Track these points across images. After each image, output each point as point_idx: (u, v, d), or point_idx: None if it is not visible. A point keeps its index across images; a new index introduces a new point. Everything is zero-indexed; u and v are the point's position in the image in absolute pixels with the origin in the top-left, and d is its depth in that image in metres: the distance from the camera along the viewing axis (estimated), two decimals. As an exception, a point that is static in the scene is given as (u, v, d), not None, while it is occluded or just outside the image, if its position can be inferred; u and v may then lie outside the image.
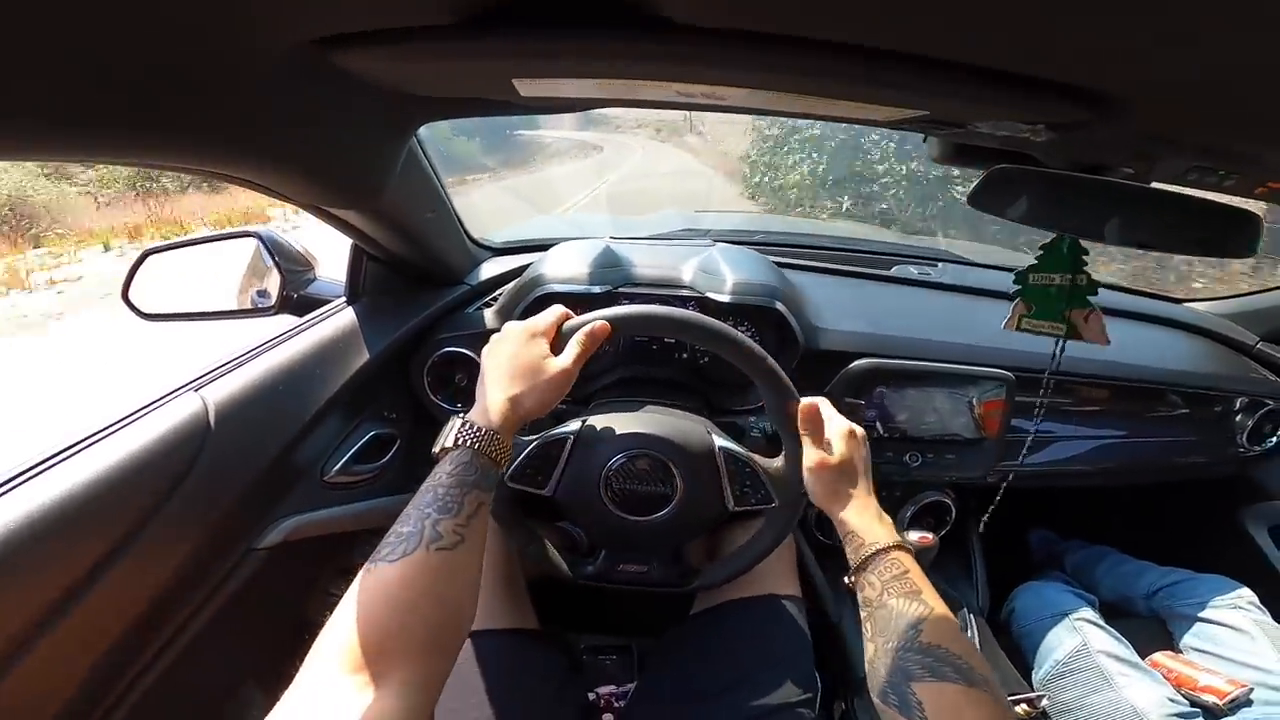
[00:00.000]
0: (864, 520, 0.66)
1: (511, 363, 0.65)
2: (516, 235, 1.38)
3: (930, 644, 0.54)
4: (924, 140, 0.76)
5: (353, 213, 0.82)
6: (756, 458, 0.80)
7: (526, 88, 0.48)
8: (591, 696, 0.94)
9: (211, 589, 0.81)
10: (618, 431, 0.80)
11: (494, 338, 0.69)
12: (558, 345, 0.69)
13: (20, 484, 0.64)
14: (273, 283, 1.15)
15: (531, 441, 0.80)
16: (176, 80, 0.43)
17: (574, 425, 0.80)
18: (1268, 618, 1.07)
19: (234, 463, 0.82)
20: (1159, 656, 1.08)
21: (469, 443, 0.58)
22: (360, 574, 0.50)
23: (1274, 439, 1.24)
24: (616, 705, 0.96)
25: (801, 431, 0.72)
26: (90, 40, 0.36)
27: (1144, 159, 0.55)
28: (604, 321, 0.70)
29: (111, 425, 0.75)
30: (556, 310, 0.71)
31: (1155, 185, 0.63)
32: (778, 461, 0.80)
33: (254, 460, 0.84)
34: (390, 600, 0.47)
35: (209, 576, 0.81)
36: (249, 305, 1.16)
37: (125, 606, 0.71)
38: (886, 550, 0.63)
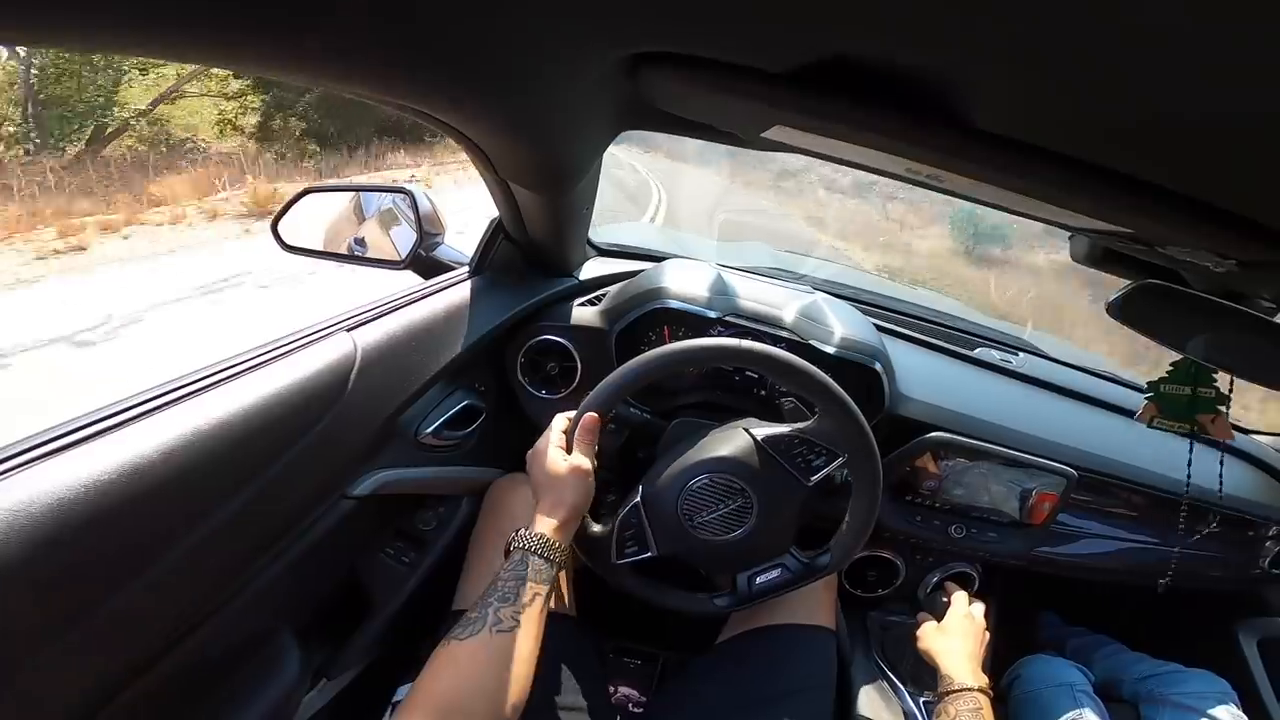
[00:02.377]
0: (962, 668, 0.89)
1: (540, 478, 0.78)
2: (618, 239, 1.43)
3: None
4: (1069, 237, 0.81)
5: (538, 195, 0.86)
6: (797, 426, 0.86)
7: (777, 133, 0.53)
8: (613, 691, 0.98)
9: (302, 530, 0.83)
10: (670, 474, 0.86)
11: (529, 457, 0.82)
12: (570, 445, 0.81)
13: (181, 400, 0.66)
14: (382, 237, 1.21)
15: (610, 525, 0.87)
16: (477, 35, 0.44)
17: (636, 494, 0.87)
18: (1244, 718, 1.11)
19: (365, 409, 0.85)
20: None
21: (521, 545, 0.71)
22: (438, 648, 0.63)
23: (1292, 567, 1.28)
24: (634, 711, 0.99)
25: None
26: None
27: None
28: (589, 413, 0.82)
29: (266, 353, 0.77)
30: (558, 421, 0.83)
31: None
32: (815, 420, 0.86)
33: (380, 409, 0.87)
34: (459, 673, 0.61)
35: (307, 517, 0.83)
36: (353, 253, 1.22)
37: (234, 541, 0.71)
38: (972, 690, 0.85)
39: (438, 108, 0.59)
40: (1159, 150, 0.41)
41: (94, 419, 0.61)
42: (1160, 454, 1.20)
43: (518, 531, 0.73)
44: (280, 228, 1.07)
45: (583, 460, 0.79)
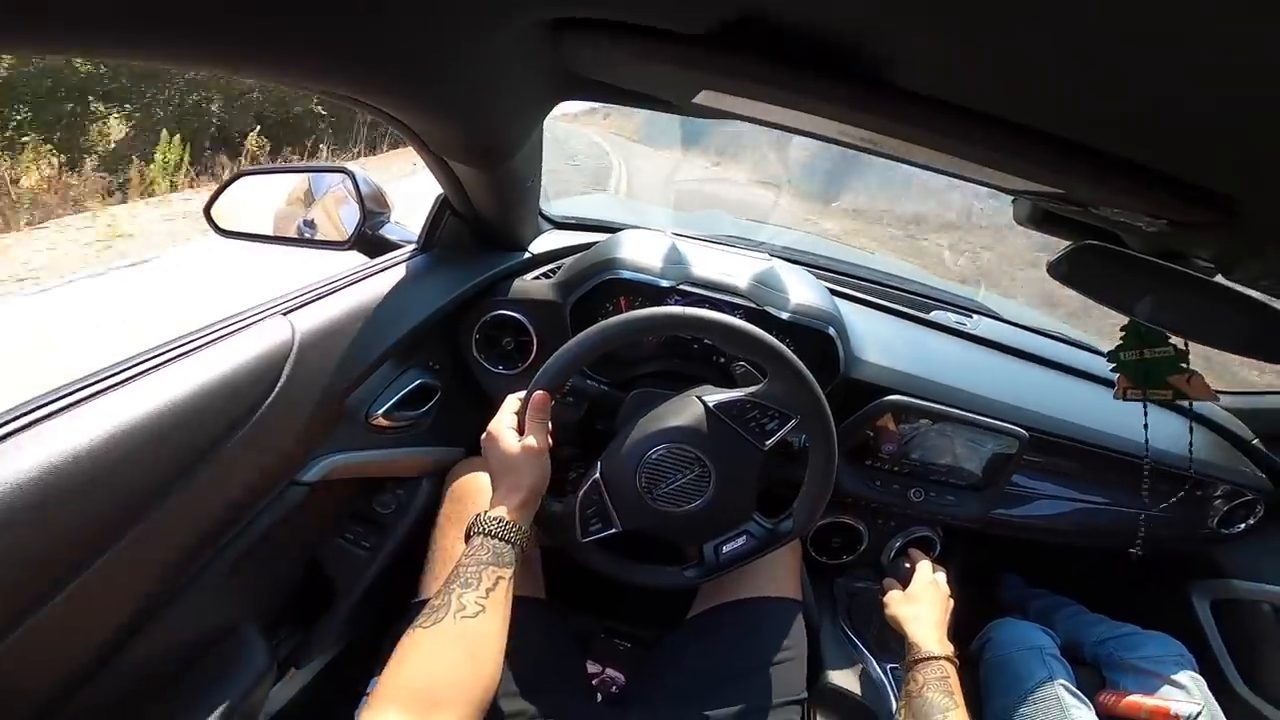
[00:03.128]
0: (929, 636, 0.91)
1: (495, 463, 0.78)
2: (574, 211, 1.40)
3: None
4: (1013, 200, 0.80)
5: (477, 170, 0.84)
6: (749, 391, 0.86)
7: (705, 98, 0.52)
8: (593, 668, 0.98)
9: (250, 519, 0.82)
10: (627, 448, 0.86)
11: (483, 441, 0.81)
12: (523, 423, 0.80)
13: (109, 390, 0.64)
14: (332, 219, 1.17)
15: (571, 502, 0.86)
16: (386, 15, 0.44)
17: (594, 471, 0.87)
18: (1200, 680, 1.14)
19: (306, 393, 0.83)
20: (1104, 694, 1.16)
21: (481, 530, 0.71)
22: (404, 637, 0.62)
23: (1242, 525, 1.33)
24: (613, 691, 1.00)
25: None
26: None
27: (1237, 259, 0.60)
28: (538, 392, 0.81)
29: (201, 337, 0.75)
30: (509, 403, 0.83)
31: (1227, 283, 0.68)
32: (765, 384, 0.86)
33: (324, 392, 0.85)
34: (427, 661, 0.60)
35: (254, 505, 0.82)
36: (295, 234, 1.18)
37: (176, 531, 0.71)
38: (939, 659, 0.86)
39: (359, 91, 0.57)
40: (1084, 111, 0.40)
41: (10, 416, 0.59)
42: (1112, 415, 1.22)
43: (477, 516, 0.73)
44: (214, 213, 1.03)
45: (534, 440, 0.78)
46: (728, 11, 0.39)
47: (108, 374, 0.66)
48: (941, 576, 1.08)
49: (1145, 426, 0.87)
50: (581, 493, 0.86)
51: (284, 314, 0.83)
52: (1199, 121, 0.37)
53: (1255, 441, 1.33)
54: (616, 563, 0.90)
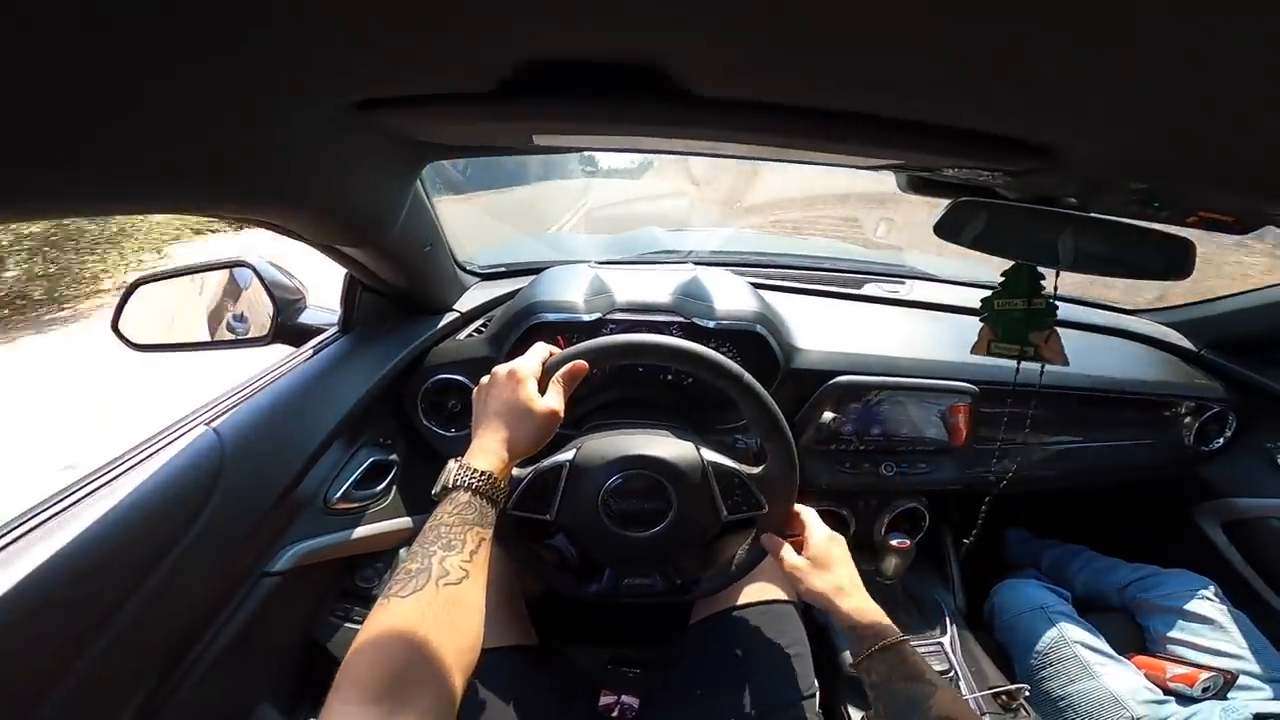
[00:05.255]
0: (860, 613, 0.77)
1: (502, 407, 0.69)
2: (501, 258, 1.41)
3: (940, 715, 0.63)
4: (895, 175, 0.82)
5: (360, 249, 0.84)
6: (744, 468, 0.85)
7: (543, 140, 0.53)
8: (607, 699, 0.97)
9: (229, 615, 0.83)
10: (611, 455, 0.84)
11: (482, 382, 0.74)
12: (544, 383, 0.73)
13: (41, 524, 0.65)
14: (252, 310, 1.16)
15: (529, 473, 0.84)
16: (213, 136, 0.45)
17: (569, 454, 0.85)
18: (1230, 607, 1.13)
19: (247, 494, 0.83)
20: (1136, 658, 1.12)
21: (467, 484, 0.63)
22: (375, 609, 0.53)
23: (1219, 440, 1.33)
24: (631, 718, 0.99)
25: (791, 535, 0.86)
26: (128, 97, 0.37)
27: (1086, 194, 0.61)
28: (581, 361, 0.75)
29: (127, 458, 0.76)
30: (540, 350, 0.76)
31: (1099, 215, 0.70)
32: (764, 469, 0.84)
33: (265, 491, 0.85)
34: (406, 634, 0.51)
35: (226, 603, 0.83)
36: (226, 335, 1.17)
37: (148, 637, 0.71)
38: (894, 644, 0.73)
39: (212, 209, 0.58)
40: (880, 83, 0.41)
41: None
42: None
43: (460, 464, 0.64)
44: (121, 327, 1.00)
45: (556, 404, 0.71)
46: (506, 64, 0.40)
47: (35, 512, 0.67)
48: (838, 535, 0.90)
49: (1016, 372, 0.86)
50: (542, 467, 0.84)
51: (207, 424, 0.83)
52: (998, 79, 0.37)
53: (1203, 352, 1.34)
54: (526, 549, 0.89)
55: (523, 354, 0.79)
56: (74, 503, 0.69)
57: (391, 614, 0.52)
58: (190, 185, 0.50)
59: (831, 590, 0.79)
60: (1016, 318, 0.80)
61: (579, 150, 0.58)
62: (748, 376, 0.80)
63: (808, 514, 0.87)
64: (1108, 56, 0.31)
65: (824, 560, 0.81)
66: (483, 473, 0.63)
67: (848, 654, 1.13)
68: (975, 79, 0.38)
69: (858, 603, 0.78)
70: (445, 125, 0.48)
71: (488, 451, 0.66)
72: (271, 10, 0.32)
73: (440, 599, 0.53)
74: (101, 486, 0.72)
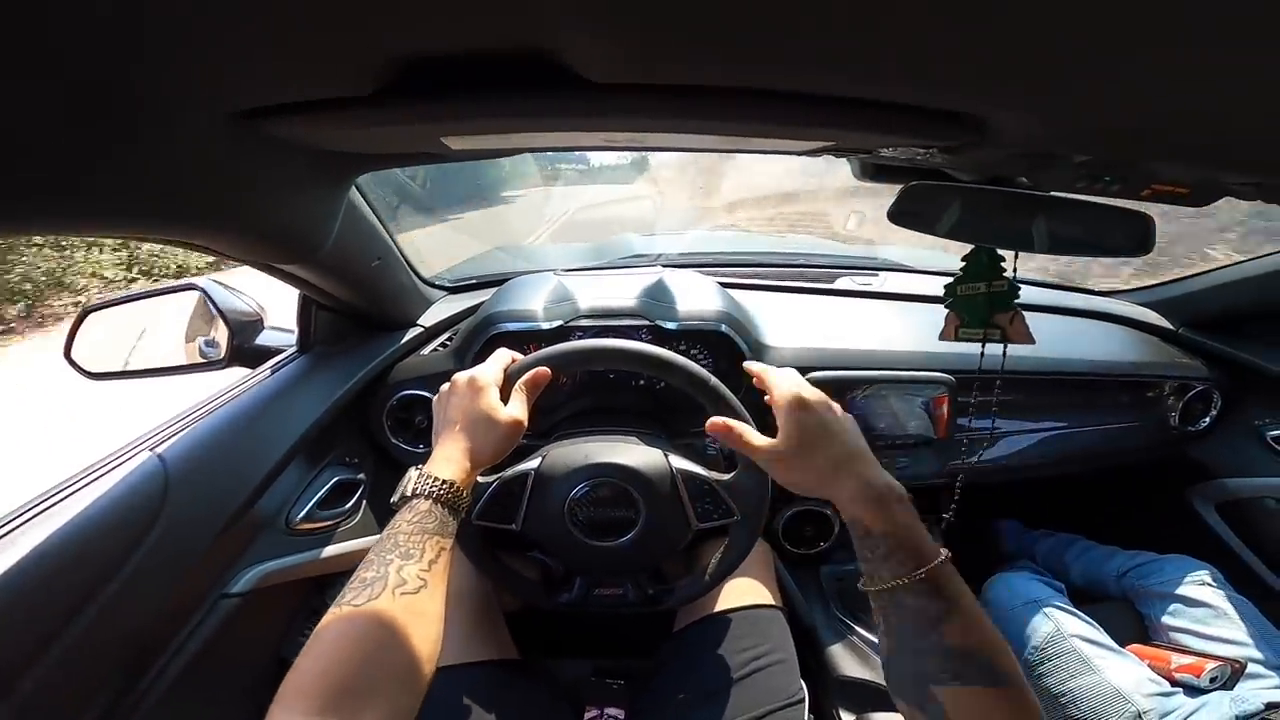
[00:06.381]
0: (877, 502, 0.57)
1: (463, 415, 0.67)
2: (469, 272, 1.40)
3: (957, 649, 0.49)
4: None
5: (297, 266, 0.82)
6: (714, 475, 0.82)
7: (457, 143, 0.50)
8: (591, 712, 0.94)
9: (186, 636, 0.82)
10: (577, 463, 0.82)
11: (442, 390, 0.71)
12: (507, 390, 0.71)
13: None
14: (220, 334, 1.14)
15: (493, 481, 0.82)
16: (104, 151, 0.43)
17: (534, 462, 0.83)
18: (1231, 592, 1.11)
19: (197, 517, 0.81)
20: (1137, 648, 1.10)
21: (427, 492, 0.60)
22: (326, 618, 0.50)
23: (1206, 419, 1.31)
24: None
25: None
26: (17, 112, 0.36)
27: (1033, 169, 0.59)
28: (543, 368, 0.73)
29: (68, 485, 0.74)
30: (501, 356, 0.74)
31: (1054, 194, 0.68)
32: (735, 476, 0.82)
33: (217, 513, 0.84)
34: (358, 643, 0.48)
35: (183, 625, 0.82)
36: (198, 358, 1.15)
37: (97, 659, 0.70)
38: (931, 569, 0.53)
39: (117, 230, 0.56)
40: (794, 58, 0.39)
41: None
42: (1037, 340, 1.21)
43: (419, 472, 0.62)
44: (74, 355, 0.98)
45: (519, 413, 0.69)
46: (379, 65, 0.38)
47: None
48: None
49: (981, 355, 0.83)
50: (506, 476, 0.82)
51: (151, 449, 0.82)
52: (916, 48, 0.35)
53: (1182, 331, 1.32)
54: (491, 559, 0.86)
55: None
56: (8, 529, 0.67)
57: (343, 622, 0.49)
58: (85, 204, 0.48)
59: (821, 477, 0.60)
60: (979, 301, 0.78)
61: (498, 153, 0.56)
62: (713, 380, 0.77)
63: (765, 370, 0.70)
64: (1027, 20, 0.29)
65: (800, 431, 0.62)
66: (444, 481, 0.61)
67: (838, 649, 1.12)
68: (893, 49, 0.36)
69: (868, 485, 0.57)
70: (342, 132, 0.46)
71: (449, 460, 0.64)
72: (135, 19, 0.30)
73: (396, 607, 0.50)
74: (39, 514, 0.70)
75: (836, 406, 0.65)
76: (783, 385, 0.65)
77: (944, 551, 0.53)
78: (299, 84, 0.41)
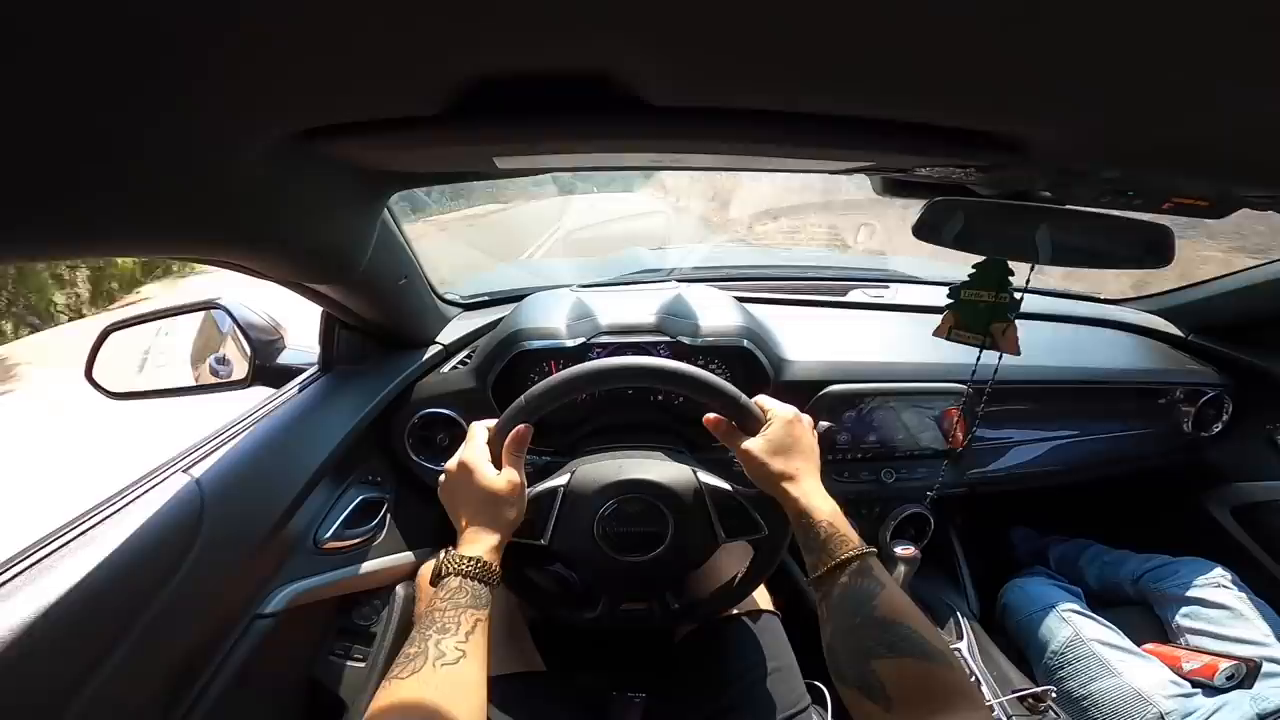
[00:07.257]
0: (813, 509, 0.69)
1: (466, 501, 0.72)
2: (483, 287, 1.40)
3: (887, 620, 0.57)
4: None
5: (328, 285, 0.83)
6: (741, 490, 0.83)
7: (506, 162, 0.52)
8: None
9: (224, 658, 0.83)
10: (607, 479, 0.82)
11: (441, 481, 0.75)
12: (496, 455, 0.75)
13: (20, 574, 0.64)
14: (232, 352, 1.14)
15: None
16: (163, 174, 0.44)
17: (563, 478, 0.83)
18: (1248, 593, 1.12)
19: (231, 539, 0.82)
20: (1149, 647, 1.11)
21: (455, 570, 0.65)
22: (378, 692, 0.56)
23: (1218, 425, 1.33)
24: None
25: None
26: (78, 136, 0.37)
27: (1060, 186, 0.61)
28: (521, 425, 0.75)
29: (105, 507, 0.75)
30: (478, 430, 0.77)
31: (1075, 208, 0.70)
32: (760, 490, 0.82)
33: (250, 534, 0.84)
34: (408, 709, 0.53)
35: (220, 647, 0.83)
36: (210, 378, 1.15)
37: (140, 686, 0.70)
38: (860, 556, 0.64)
39: (162, 251, 0.57)
40: (845, 83, 0.41)
41: None
42: (1043, 350, 1.22)
43: (448, 553, 0.67)
44: (96, 375, 0.98)
45: (515, 475, 0.73)
46: (449, 86, 0.39)
47: (6, 566, 0.65)
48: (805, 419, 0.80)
49: (978, 359, 0.87)
50: (537, 490, 0.82)
51: (184, 470, 0.82)
52: (964, 73, 0.37)
53: (1191, 337, 1.34)
54: (520, 579, 0.87)
55: (514, 379, 0.79)
56: (47, 554, 0.67)
57: (391, 694, 0.54)
58: (134, 227, 0.48)
59: (780, 477, 0.72)
60: (981, 309, 0.81)
61: (544, 171, 0.57)
62: (705, 374, 0.78)
63: (768, 400, 0.80)
64: (1072, 43, 0.31)
65: (779, 442, 0.74)
66: (470, 558, 0.66)
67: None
68: (941, 74, 0.37)
69: (810, 497, 0.70)
70: (400, 152, 0.47)
71: (471, 540, 0.69)
72: (204, 40, 0.31)
73: (437, 678, 0.56)
74: (77, 538, 0.70)
75: (810, 430, 0.78)
76: (780, 407, 0.79)
77: (870, 547, 0.65)
78: (367, 104, 0.42)
